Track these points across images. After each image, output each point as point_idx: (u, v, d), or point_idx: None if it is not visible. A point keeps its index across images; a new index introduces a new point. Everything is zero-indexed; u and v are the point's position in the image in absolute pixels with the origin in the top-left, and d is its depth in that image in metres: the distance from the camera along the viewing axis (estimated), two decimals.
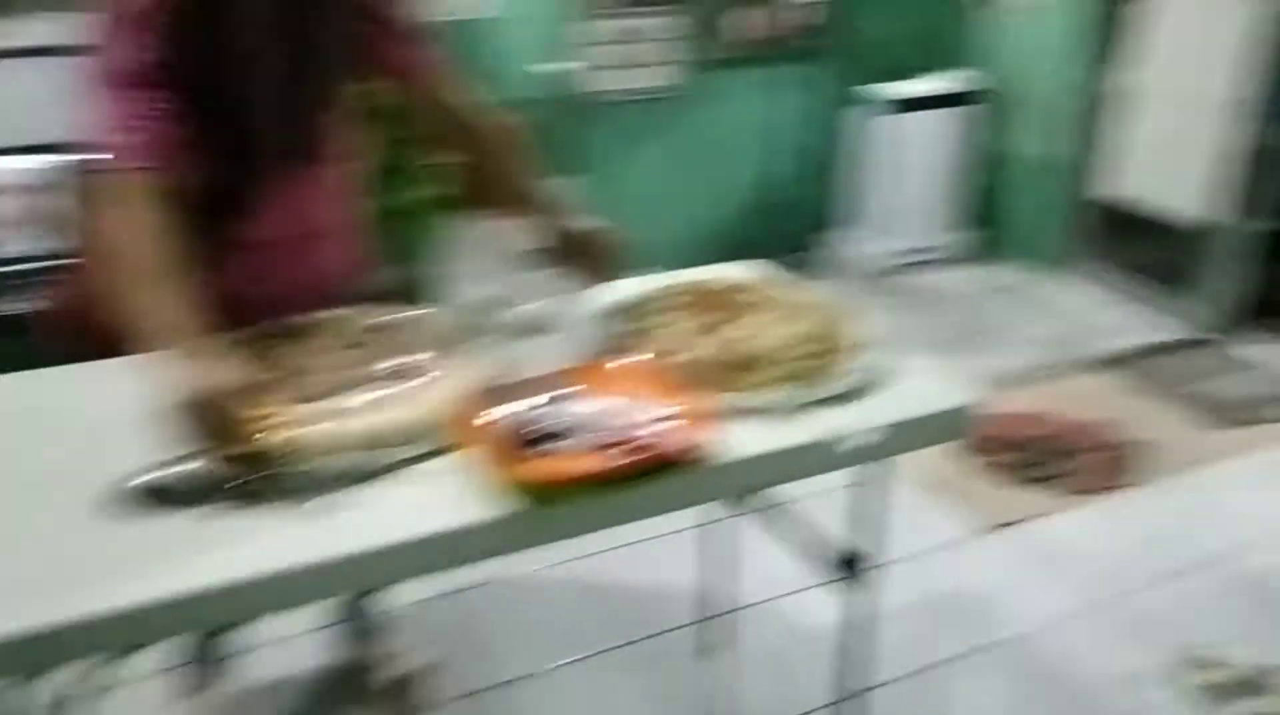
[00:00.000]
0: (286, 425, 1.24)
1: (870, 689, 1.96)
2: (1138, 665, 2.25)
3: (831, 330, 1.52)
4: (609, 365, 1.41)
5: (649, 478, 1.19)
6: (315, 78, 1.52)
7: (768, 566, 2.19)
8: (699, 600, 2.34)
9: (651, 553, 2.46)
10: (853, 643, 1.72)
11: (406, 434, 1.28)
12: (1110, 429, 3.19)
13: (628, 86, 4.13)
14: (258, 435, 1.22)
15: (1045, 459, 3.01)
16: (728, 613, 2.32)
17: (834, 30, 4.45)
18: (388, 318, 1.56)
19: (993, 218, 4.74)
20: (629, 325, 1.54)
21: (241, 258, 1.56)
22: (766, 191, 4.37)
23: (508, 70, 4.42)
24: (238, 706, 2.10)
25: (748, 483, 1.33)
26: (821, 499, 1.62)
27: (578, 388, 1.33)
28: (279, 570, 1.08)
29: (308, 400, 1.30)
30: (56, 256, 1.88)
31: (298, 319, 1.52)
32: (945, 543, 2.67)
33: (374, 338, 1.48)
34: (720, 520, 2.12)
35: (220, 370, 1.20)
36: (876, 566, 1.62)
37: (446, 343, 1.49)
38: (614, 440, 1.22)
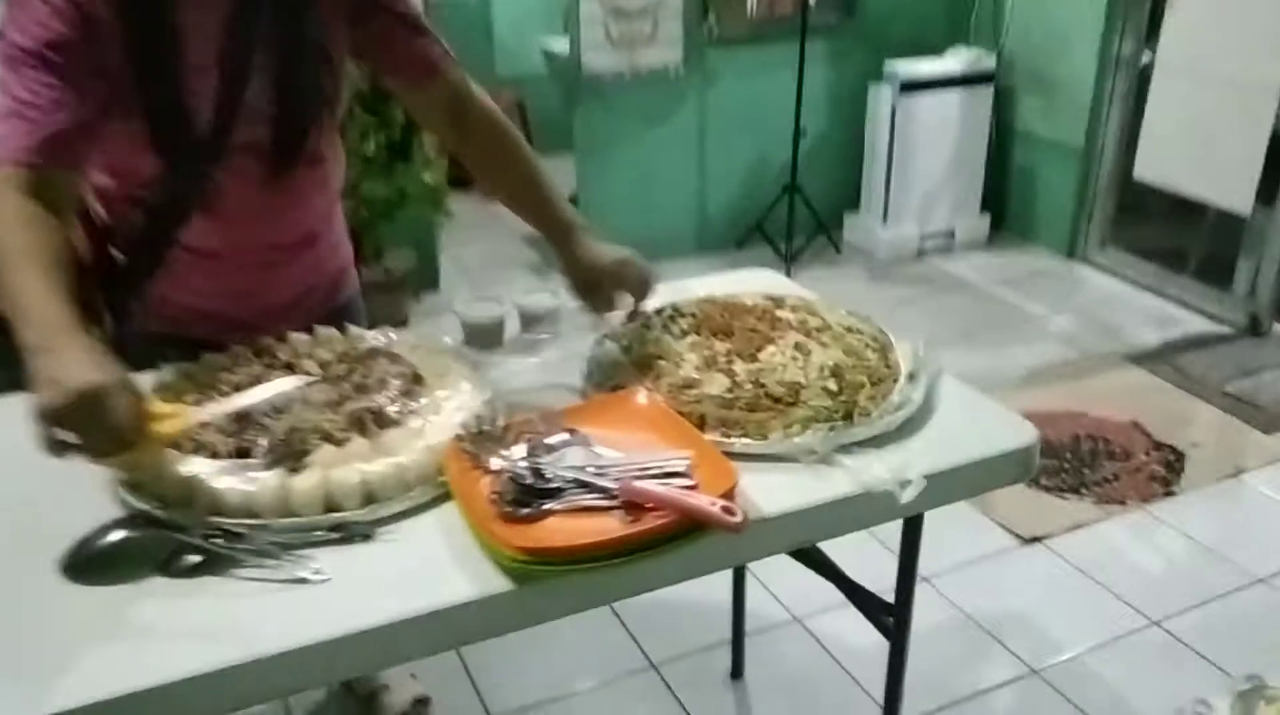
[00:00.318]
0: (242, 477, 1.08)
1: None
2: (1195, 694, 2.08)
3: (869, 355, 1.35)
4: (616, 403, 1.24)
5: (659, 546, 1.02)
6: (287, 69, 1.33)
7: (799, 584, 2.02)
8: (729, 619, 2.18)
9: None
10: (892, 670, 1.54)
11: (391, 487, 1.11)
12: (1146, 431, 3.01)
13: (632, 64, 3.93)
14: (199, 490, 1.06)
15: (1080, 465, 2.84)
16: (758, 633, 2.18)
17: (852, 5, 4.25)
18: (371, 342, 1.38)
19: (1015, 202, 4.54)
20: (638, 353, 1.36)
21: (204, 267, 1.39)
22: (780, 174, 4.17)
23: (504, 48, 4.22)
24: None
25: (776, 544, 1.15)
26: None
27: (580, 431, 1.16)
28: (236, 662, 0.91)
29: (275, 449, 1.13)
30: None
31: (268, 341, 1.36)
32: (977, 558, 2.50)
33: (354, 367, 1.31)
34: None
35: (152, 411, 1.03)
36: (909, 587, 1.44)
37: (438, 372, 1.32)
38: (620, 499, 1.05)
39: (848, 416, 1.23)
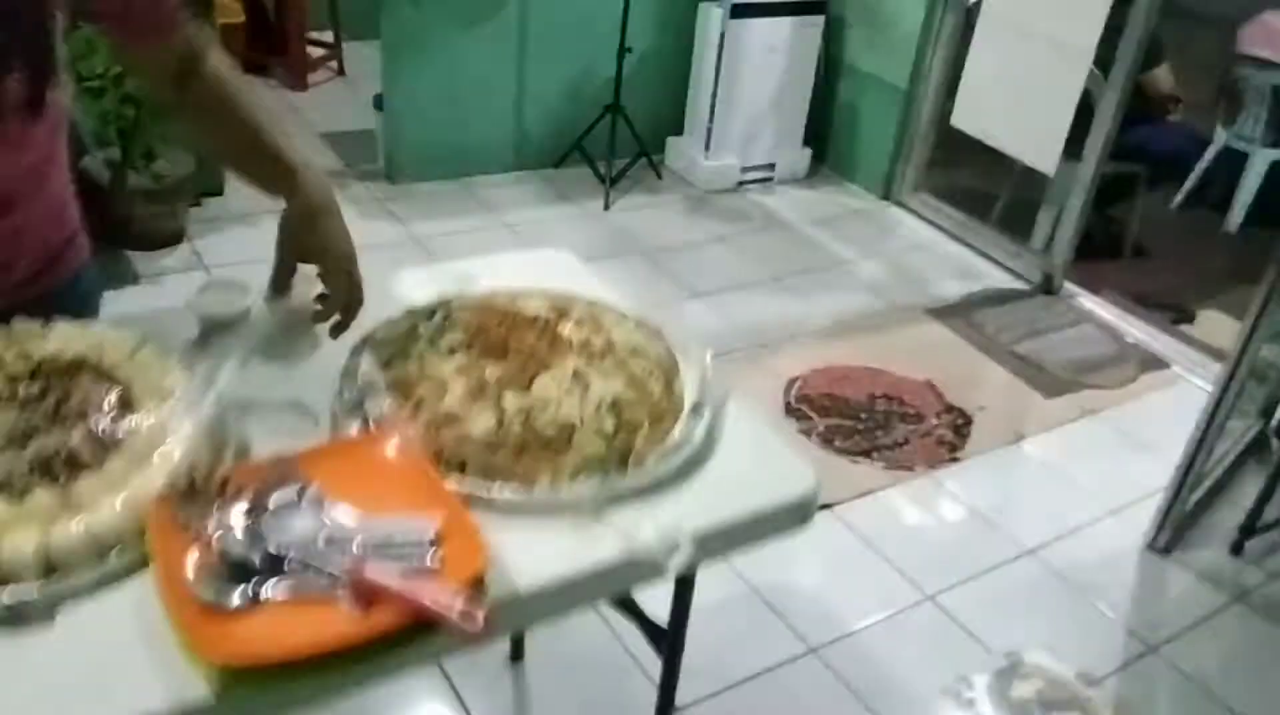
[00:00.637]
0: None
1: (674, 712, 1.76)
2: (959, 671, 2.15)
3: (652, 387, 1.24)
4: (362, 450, 1.09)
5: (391, 644, 0.90)
6: None
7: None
8: None
9: None
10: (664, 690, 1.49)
11: (80, 555, 0.93)
12: (939, 392, 3.07)
13: None
14: None
15: (874, 427, 2.87)
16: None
17: None
18: (76, 341, 1.17)
19: (837, 138, 4.52)
20: (398, 373, 1.21)
21: None
22: (604, 91, 3.97)
23: None
24: None
25: (527, 621, 1.05)
26: None
27: (314, 485, 1.01)
28: None
29: None
30: None
31: None
32: None
33: (51, 385, 1.10)
34: None
35: None
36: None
37: (156, 387, 1.13)
38: (346, 584, 0.91)
39: (623, 461, 1.13)
